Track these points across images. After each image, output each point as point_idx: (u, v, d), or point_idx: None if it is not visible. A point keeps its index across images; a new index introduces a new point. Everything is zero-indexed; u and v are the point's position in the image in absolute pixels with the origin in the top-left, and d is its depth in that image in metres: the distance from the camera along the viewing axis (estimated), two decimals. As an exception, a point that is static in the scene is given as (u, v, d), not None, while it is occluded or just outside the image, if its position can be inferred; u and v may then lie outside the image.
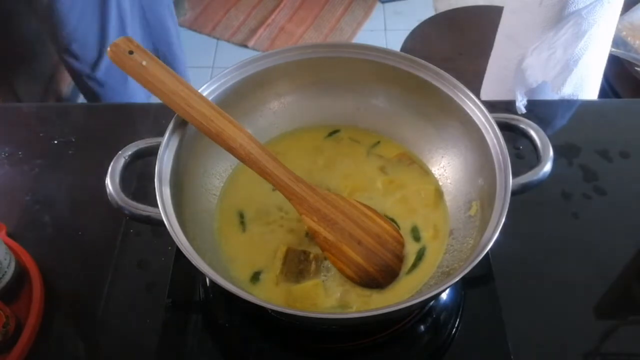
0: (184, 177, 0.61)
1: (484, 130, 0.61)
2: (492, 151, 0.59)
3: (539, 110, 0.88)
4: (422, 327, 0.65)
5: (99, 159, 0.82)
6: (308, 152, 0.72)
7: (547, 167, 0.59)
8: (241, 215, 0.66)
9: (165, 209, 0.54)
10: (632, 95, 1.18)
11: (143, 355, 0.63)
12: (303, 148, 0.72)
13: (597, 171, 0.79)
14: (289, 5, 2.50)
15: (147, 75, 0.58)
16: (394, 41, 2.32)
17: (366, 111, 0.73)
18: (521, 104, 0.88)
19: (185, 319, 0.66)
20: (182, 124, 0.61)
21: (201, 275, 0.68)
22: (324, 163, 0.71)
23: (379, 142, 0.73)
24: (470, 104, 0.62)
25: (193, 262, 0.50)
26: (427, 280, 0.61)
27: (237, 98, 0.66)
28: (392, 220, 0.65)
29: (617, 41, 1.19)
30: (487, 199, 0.59)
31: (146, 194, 0.58)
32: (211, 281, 0.59)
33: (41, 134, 0.84)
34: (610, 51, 0.98)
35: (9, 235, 0.71)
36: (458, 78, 0.63)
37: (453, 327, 0.64)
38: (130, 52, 0.58)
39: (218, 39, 2.38)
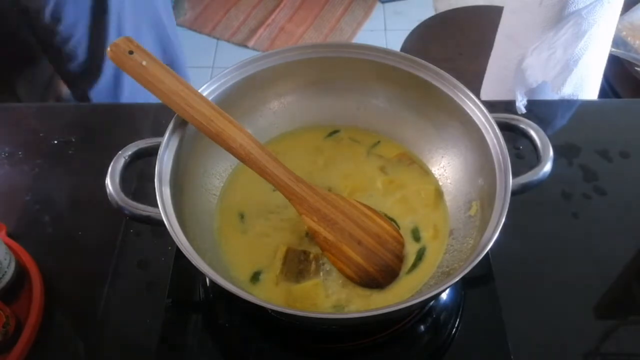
0: (184, 177, 0.61)
1: (484, 130, 0.61)
2: (492, 151, 0.59)
3: (539, 110, 0.88)
4: (422, 327, 0.65)
5: (99, 159, 0.82)
6: (308, 152, 0.72)
7: (547, 167, 0.59)
8: (241, 215, 0.66)
9: (165, 209, 0.54)
10: (632, 95, 1.18)
11: (143, 355, 0.63)
12: (303, 148, 0.72)
13: (597, 171, 0.79)
14: (289, 5, 2.50)
15: (147, 75, 0.58)
16: (394, 41, 2.32)
17: (366, 111, 0.73)
18: (521, 104, 0.88)
19: (185, 319, 0.66)
20: (182, 124, 0.61)
21: (201, 275, 0.68)
22: (324, 163, 0.71)
23: (379, 142, 0.73)
24: (470, 104, 0.63)
25: (193, 262, 0.50)
26: (427, 280, 0.61)
27: (237, 98, 0.66)
28: (392, 220, 0.65)
29: (617, 41, 1.19)
30: (487, 199, 0.59)
31: (146, 194, 0.58)
32: (211, 281, 0.59)
33: (41, 134, 0.84)
34: (610, 51, 0.98)
35: (9, 235, 0.71)
36: (458, 78, 0.63)
37: (453, 327, 0.64)
38: (130, 52, 0.58)
39: (218, 39, 2.38)
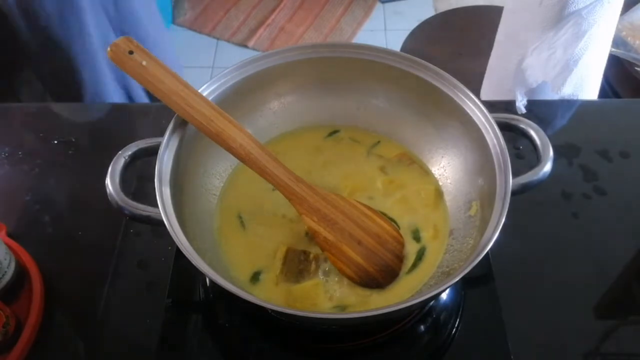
0: (184, 177, 0.61)
1: (484, 130, 0.61)
2: (492, 151, 0.59)
3: (539, 110, 0.88)
4: (422, 327, 0.65)
5: (99, 159, 0.82)
6: (308, 152, 0.72)
7: (547, 167, 0.59)
8: (241, 215, 0.66)
9: (165, 209, 0.54)
10: (632, 95, 1.18)
11: (143, 355, 0.63)
12: (303, 148, 0.72)
13: (597, 171, 0.79)
14: (289, 5, 2.50)
15: (147, 75, 0.58)
16: (394, 41, 2.32)
17: (366, 111, 0.73)
18: (521, 104, 0.88)
19: (185, 319, 0.66)
20: (182, 124, 0.61)
21: (201, 275, 0.68)
22: (324, 163, 0.71)
23: (379, 142, 0.73)
24: (470, 104, 0.63)
25: (193, 262, 0.50)
26: (427, 280, 0.61)
27: (237, 98, 0.66)
28: (392, 220, 0.65)
29: (617, 41, 1.19)
30: (487, 199, 0.59)
31: (146, 194, 0.58)
32: (211, 281, 0.59)
33: (41, 134, 0.84)
34: (610, 51, 0.98)
35: (9, 235, 0.71)
36: (458, 78, 0.63)
37: (453, 327, 0.64)
38: (130, 52, 0.58)
39: (218, 39, 2.38)
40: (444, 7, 2.12)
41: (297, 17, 2.46)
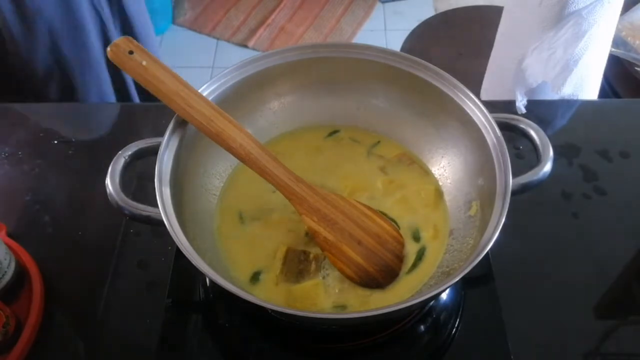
0: (184, 177, 0.61)
1: (484, 130, 0.61)
2: (492, 151, 0.59)
3: (539, 110, 0.88)
4: (422, 327, 0.65)
5: (99, 159, 0.82)
6: (308, 152, 0.72)
7: (547, 167, 0.59)
8: (241, 215, 0.66)
9: (165, 209, 0.54)
10: (632, 95, 1.18)
11: (143, 355, 0.63)
12: (303, 148, 0.72)
13: (597, 171, 0.79)
14: (289, 5, 2.50)
15: (147, 76, 0.58)
16: (394, 41, 2.32)
17: (366, 111, 0.73)
18: (521, 104, 0.88)
19: (185, 319, 0.66)
20: (182, 124, 0.61)
21: (201, 275, 0.68)
22: (324, 163, 0.71)
23: (379, 142, 0.73)
24: (470, 104, 0.63)
25: (193, 262, 0.50)
26: (427, 280, 0.61)
27: (237, 98, 0.66)
28: (392, 220, 0.65)
29: (617, 41, 1.19)
30: (487, 199, 0.59)
31: (146, 194, 0.58)
32: (211, 281, 0.59)
33: (41, 134, 0.85)
34: (610, 51, 0.98)
35: (9, 235, 0.71)
36: (458, 78, 0.63)
37: (453, 327, 0.64)
38: (130, 52, 0.58)
39: (218, 39, 2.38)
40: (444, 7, 2.12)
41: (297, 17, 2.46)
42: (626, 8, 1.13)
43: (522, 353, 0.62)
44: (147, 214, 0.56)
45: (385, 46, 0.70)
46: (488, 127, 0.61)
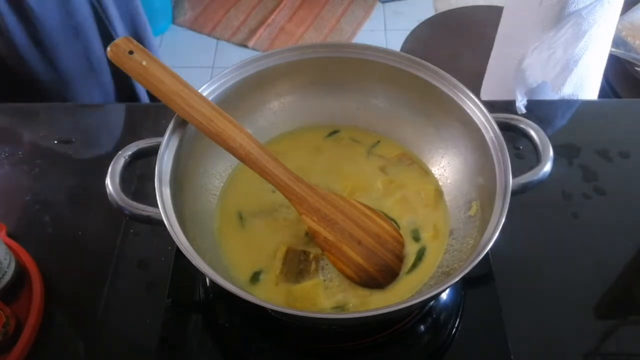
0: (184, 177, 0.61)
1: (484, 130, 0.61)
2: (492, 151, 0.59)
3: (539, 110, 0.88)
4: (422, 327, 0.65)
5: (99, 159, 0.82)
6: (308, 152, 0.72)
7: (547, 167, 0.59)
8: (241, 216, 0.66)
9: (165, 209, 0.54)
10: (632, 95, 1.18)
11: (143, 355, 0.63)
12: (303, 148, 0.72)
13: (597, 171, 0.79)
14: (289, 5, 2.50)
15: (147, 75, 0.58)
16: (394, 41, 2.32)
17: (366, 111, 0.73)
18: (521, 104, 0.88)
19: (185, 319, 0.66)
20: (182, 124, 0.61)
21: (201, 275, 0.68)
22: (324, 163, 0.71)
23: (379, 142, 0.73)
24: (470, 104, 0.63)
25: (193, 262, 0.50)
26: (427, 280, 0.61)
27: (237, 98, 0.66)
28: (392, 220, 0.65)
29: (617, 41, 1.19)
30: (487, 199, 0.59)
31: (146, 194, 0.58)
32: (211, 281, 0.59)
33: (41, 134, 0.85)
34: (610, 51, 0.98)
35: (9, 235, 0.71)
36: (458, 78, 0.63)
37: (453, 327, 0.64)
38: (130, 52, 0.58)
39: (218, 39, 2.38)
40: (444, 7, 2.12)
41: (297, 17, 2.46)
42: (626, 8, 1.13)
43: (522, 353, 0.62)
44: (147, 214, 0.56)
45: (385, 46, 0.70)
46: (488, 127, 0.61)
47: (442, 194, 0.68)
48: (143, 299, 0.67)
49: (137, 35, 1.20)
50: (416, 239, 0.65)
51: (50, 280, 0.67)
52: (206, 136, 0.59)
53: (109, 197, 0.57)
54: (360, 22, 2.44)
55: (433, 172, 0.70)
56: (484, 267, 0.67)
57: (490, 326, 0.64)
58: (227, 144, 0.59)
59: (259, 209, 0.67)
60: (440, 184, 0.69)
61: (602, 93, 1.09)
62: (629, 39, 1.20)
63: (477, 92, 0.98)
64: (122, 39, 0.59)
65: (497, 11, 1.03)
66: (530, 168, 0.59)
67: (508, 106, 0.88)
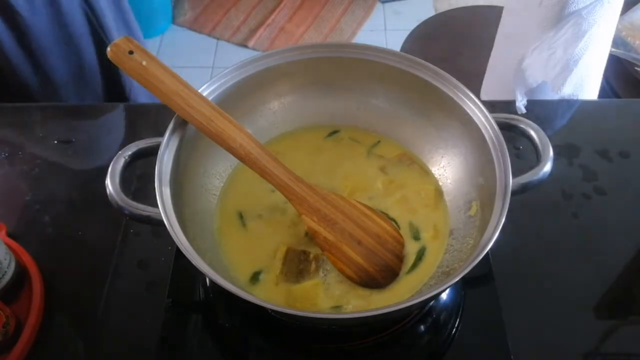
0: (184, 177, 0.61)
1: (484, 130, 0.61)
2: (492, 151, 0.59)
3: (539, 110, 0.88)
4: (422, 327, 0.65)
5: (99, 159, 0.82)
6: (308, 152, 0.72)
7: (547, 167, 0.59)
8: (241, 215, 0.66)
9: (165, 209, 0.54)
10: (632, 95, 1.18)
11: (143, 355, 0.63)
12: (303, 148, 0.72)
13: (597, 171, 0.79)
14: (289, 5, 2.50)
15: (147, 76, 0.58)
16: (394, 41, 2.32)
17: (366, 111, 0.73)
18: (521, 104, 0.88)
19: (185, 319, 0.66)
20: (182, 124, 0.61)
21: (201, 275, 0.68)
22: (324, 163, 0.71)
23: (379, 142, 0.73)
24: (470, 104, 0.63)
25: (193, 262, 0.50)
26: (427, 280, 0.61)
27: (237, 98, 0.66)
28: (392, 220, 0.65)
29: (617, 41, 1.19)
30: (487, 199, 0.59)
31: (146, 194, 0.58)
32: (211, 281, 0.59)
33: (41, 134, 0.85)
34: (610, 51, 0.98)
35: (9, 235, 0.71)
36: (458, 78, 0.63)
37: (453, 327, 0.64)
38: (130, 52, 0.58)
39: (218, 39, 2.38)
40: (444, 7, 2.12)
41: (297, 17, 2.46)
42: (626, 8, 1.13)
43: (522, 353, 0.62)
44: (147, 214, 0.56)
45: (385, 46, 0.70)
46: (488, 127, 0.61)
47: (442, 194, 0.68)
48: (143, 299, 0.67)
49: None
50: (416, 239, 0.65)
51: (50, 280, 0.67)
52: (206, 136, 0.59)
53: (109, 197, 0.57)
54: (360, 22, 2.44)
55: (433, 172, 0.70)
56: (484, 267, 0.67)
57: (490, 326, 0.64)
58: (227, 144, 0.59)
59: (259, 209, 0.67)
60: (440, 184, 0.69)
61: (602, 93, 1.09)
62: (629, 39, 1.20)
63: (477, 92, 0.98)
64: (122, 39, 0.59)
65: (497, 11, 1.03)
66: (530, 168, 0.59)
67: (508, 106, 0.88)
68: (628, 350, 0.64)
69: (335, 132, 0.74)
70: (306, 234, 0.64)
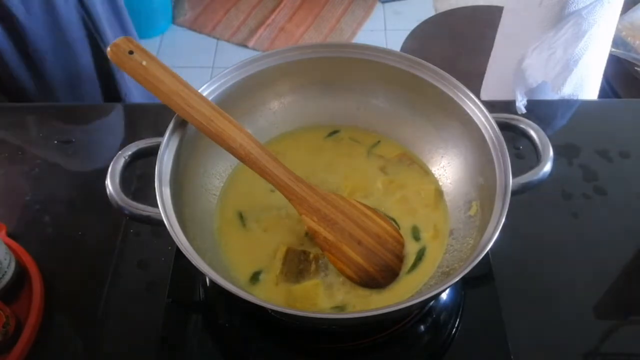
0: (184, 177, 0.61)
1: (484, 130, 0.61)
2: (492, 151, 0.59)
3: (539, 110, 0.88)
4: (422, 327, 0.65)
5: (99, 159, 0.82)
6: (308, 152, 0.72)
7: (547, 167, 0.59)
8: (241, 215, 0.66)
9: (165, 209, 0.54)
10: (632, 95, 1.18)
11: (143, 355, 0.63)
12: (303, 148, 0.72)
13: (597, 171, 0.79)
14: (289, 5, 2.50)
15: (147, 75, 0.58)
16: (394, 41, 2.32)
17: (366, 111, 0.73)
18: (521, 104, 0.88)
19: (185, 319, 0.66)
20: (182, 124, 0.61)
21: (201, 275, 0.68)
22: (324, 163, 0.71)
23: (379, 142, 0.73)
24: (470, 104, 0.63)
25: (193, 262, 0.50)
26: (427, 280, 0.61)
27: (237, 98, 0.66)
28: (392, 220, 0.65)
29: (617, 41, 1.19)
30: (487, 199, 0.59)
31: (146, 194, 0.58)
32: (211, 281, 0.59)
33: (41, 134, 0.85)
34: (610, 51, 0.98)
35: (9, 235, 0.71)
36: (458, 78, 0.63)
37: (453, 327, 0.64)
38: (130, 52, 0.58)
39: (218, 39, 2.38)
40: (444, 7, 2.12)
41: (297, 17, 2.46)
42: (626, 8, 1.13)
43: (522, 353, 0.62)
44: (147, 214, 0.56)
45: (385, 46, 0.69)
46: (488, 127, 0.61)
47: (442, 194, 0.68)
48: (143, 299, 0.67)
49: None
50: (416, 239, 0.65)
51: (50, 280, 0.67)
52: (206, 136, 0.59)
53: (109, 197, 0.57)
54: (360, 22, 2.44)
55: (433, 172, 0.70)
56: (484, 267, 0.67)
57: (490, 326, 0.64)
58: (227, 144, 0.59)
59: (259, 209, 0.67)
60: (440, 184, 0.69)
61: (602, 93, 1.09)
62: (629, 39, 1.20)
63: (477, 92, 0.98)
64: (122, 39, 0.59)
65: (497, 11, 1.03)
66: (530, 168, 0.59)
67: (508, 106, 0.88)
68: (628, 350, 0.64)
69: (335, 132, 0.74)
70: (306, 234, 0.64)
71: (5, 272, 0.64)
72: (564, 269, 0.70)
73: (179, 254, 0.66)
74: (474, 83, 1.00)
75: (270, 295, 0.60)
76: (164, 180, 0.56)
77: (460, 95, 0.63)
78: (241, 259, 0.63)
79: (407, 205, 0.67)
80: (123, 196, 0.56)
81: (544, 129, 0.61)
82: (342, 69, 0.69)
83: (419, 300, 0.50)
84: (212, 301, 0.67)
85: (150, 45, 2.28)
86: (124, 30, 1.19)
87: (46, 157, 0.81)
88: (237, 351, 0.65)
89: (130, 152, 0.59)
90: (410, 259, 0.63)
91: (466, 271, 0.50)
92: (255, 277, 0.62)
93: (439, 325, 0.65)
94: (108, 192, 0.57)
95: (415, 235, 0.65)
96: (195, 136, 0.62)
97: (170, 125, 0.60)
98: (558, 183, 0.77)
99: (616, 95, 1.20)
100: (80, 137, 0.84)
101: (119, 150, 0.59)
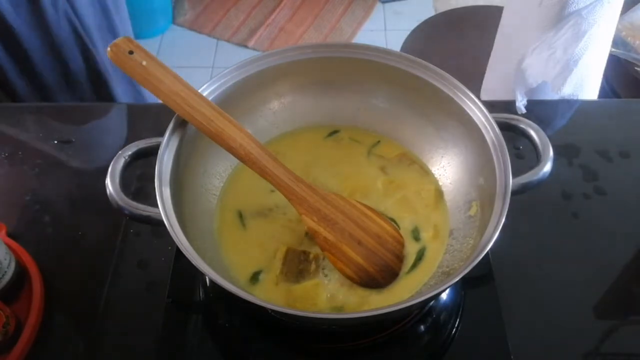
0: (184, 177, 0.61)
1: (484, 130, 0.61)
2: (492, 151, 0.59)
3: (539, 110, 0.88)
4: (422, 327, 0.65)
5: (99, 159, 0.82)
6: (308, 152, 0.72)
7: (547, 167, 0.59)
8: (241, 215, 0.66)
9: (165, 209, 0.54)
10: (632, 95, 1.18)
11: (143, 355, 0.63)
12: (303, 148, 0.72)
13: (597, 171, 0.79)
14: (289, 5, 2.50)
15: (147, 75, 0.58)
16: (394, 41, 2.32)
17: (366, 111, 0.73)
18: (521, 104, 0.88)
19: (185, 319, 0.66)
20: (182, 124, 0.61)
21: (201, 275, 0.68)
22: (324, 163, 0.71)
23: (379, 142, 0.73)
24: (470, 104, 0.63)
25: (193, 262, 0.50)
26: (427, 280, 0.61)
27: (237, 98, 0.66)
28: (392, 220, 0.65)
29: (617, 41, 1.19)
30: (487, 199, 0.59)
31: (146, 194, 0.58)
32: (211, 281, 0.59)
33: (41, 134, 0.85)
34: (610, 51, 0.98)
35: (9, 235, 0.71)
36: (458, 78, 0.63)
37: (453, 327, 0.64)
38: (130, 52, 0.58)
39: (218, 39, 2.38)
40: (444, 7, 2.12)
41: (297, 17, 2.46)
42: (626, 8, 1.13)
43: (522, 353, 0.62)
44: (147, 214, 0.56)
45: (385, 46, 0.69)
46: (488, 127, 0.61)
47: (442, 194, 0.68)
48: (143, 299, 0.67)
49: None
50: (416, 239, 0.65)
51: (50, 280, 0.67)
52: (206, 136, 0.59)
53: (109, 197, 0.57)
54: (360, 22, 2.44)
55: (433, 172, 0.70)
56: (484, 267, 0.67)
57: (490, 326, 0.64)
58: (227, 144, 0.59)
59: (259, 209, 0.67)
60: (440, 184, 0.69)
61: (602, 93, 1.09)
62: (629, 39, 1.20)
63: (477, 92, 0.98)
64: (121, 39, 0.59)
65: (497, 11, 1.03)
66: (530, 168, 0.59)
67: (508, 106, 0.88)
68: (628, 350, 0.64)
69: (335, 132, 0.74)
70: (306, 234, 0.64)
71: (5, 272, 0.64)
72: (564, 269, 0.70)
73: (179, 254, 0.66)
74: (474, 83, 1.00)
75: (270, 295, 0.60)
76: (164, 180, 0.56)
77: (460, 95, 0.63)
78: (241, 259, 0.63)
79: (407, 205, 0.67)
80: (123, 196, 0.56)
81: (544, 129, 0.61)
82: (342, 69, 0.69)
83: (419, 300, 0.50)
84: (212, 301, 0.67)
85: (150, 45, 2.28)
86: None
87: (46, 157, 0.81)
88: (237, 351, 0.65)
89: (130, 152, 0.59)
90: (410, 259, 0.63)
91: (466, 271, 0.50)
92: (255, 277, 0.62)
93: (439, 325, 0.65)
94: (108, 192, 0.57)
95: (415, 235, 0.65)
96: (195, 136, 0.62)
97: (170, 125, 0.60)
98: (558, 183, 0.77)
99: (616, 95, 1.20)
100: (80, 137, 0.84)
101: (119, 150, 0.59)
